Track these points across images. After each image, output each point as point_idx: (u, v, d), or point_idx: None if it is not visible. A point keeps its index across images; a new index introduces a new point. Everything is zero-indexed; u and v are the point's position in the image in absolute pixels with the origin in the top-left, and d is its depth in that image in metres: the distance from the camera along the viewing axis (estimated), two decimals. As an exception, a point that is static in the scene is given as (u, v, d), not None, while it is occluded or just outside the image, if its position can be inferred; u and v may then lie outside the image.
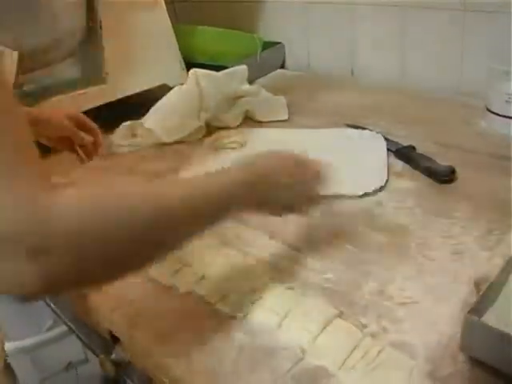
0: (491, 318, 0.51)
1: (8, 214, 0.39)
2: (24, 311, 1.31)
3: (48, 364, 1.32)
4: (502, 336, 0.47)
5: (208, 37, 1.37)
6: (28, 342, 1.34)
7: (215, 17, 1.60)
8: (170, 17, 1.25)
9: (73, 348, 1.32)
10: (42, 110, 0.89)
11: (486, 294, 0.52)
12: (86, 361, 1.33)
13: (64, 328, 1.39)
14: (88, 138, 0.93)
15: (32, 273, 0.40)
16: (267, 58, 1.47)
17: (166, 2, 1.24)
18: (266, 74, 1.47)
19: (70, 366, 1.31)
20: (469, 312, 0.50)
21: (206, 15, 1.63)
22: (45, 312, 1.28)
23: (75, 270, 0.42)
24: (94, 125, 0.95)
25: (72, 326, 0.98)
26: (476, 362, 0.52)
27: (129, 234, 0.45)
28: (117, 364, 0.76)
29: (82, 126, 0.93)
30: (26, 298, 0.45)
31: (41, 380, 1.31)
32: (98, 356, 0.77)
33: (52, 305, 1.02)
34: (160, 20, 1.21)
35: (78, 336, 0.98)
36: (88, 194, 0.44)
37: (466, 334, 0.51)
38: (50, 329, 1.42)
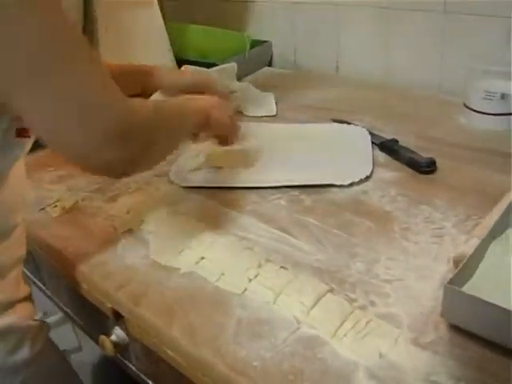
0: (469, 288, 0.57)
1: (109, 111, 0.55)
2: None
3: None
4: (479, 303, 0.53)
5: (198, 35, 1.40)
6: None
7: (205, 16, 1.64)
8: (160, 15, 1.29)
9: (66, 336, 1.36)
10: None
11: (464, 268, 0.58)
12: (80, 349, 1.36)
13: (56, 317, 1.42)
14: None
15: (121, 153, 0.57)
16: (255, 55, 1.51)
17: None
18: (254, 72, 1.51)
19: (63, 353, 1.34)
20: (448, 282, 0.55)
21: (196, 14, 1.66)
22: (35, 303, 1.31)
23: (147, 148, 0.61)
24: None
25: (69, 311, 1.01)
26: (455, 329, 0.57)
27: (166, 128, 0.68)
28: (116, 345, 0.80)
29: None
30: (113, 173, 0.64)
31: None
32: (96, 338, 0.80)
33: (49, 292, 1.05)
34: (153, 18, 1.25)
35: (74, 321, 1.01)
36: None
37: (446, 302, 0.56)
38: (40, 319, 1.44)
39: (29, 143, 0.66)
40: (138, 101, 0.63)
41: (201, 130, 0.84)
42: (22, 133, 0.63)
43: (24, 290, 0.75)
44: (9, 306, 0.70)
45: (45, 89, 0.51)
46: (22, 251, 0.75)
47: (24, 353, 0.71)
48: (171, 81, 0.93)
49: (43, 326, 0.77)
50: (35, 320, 0.76)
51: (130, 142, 0.57)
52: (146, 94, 0.91)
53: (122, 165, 0.60)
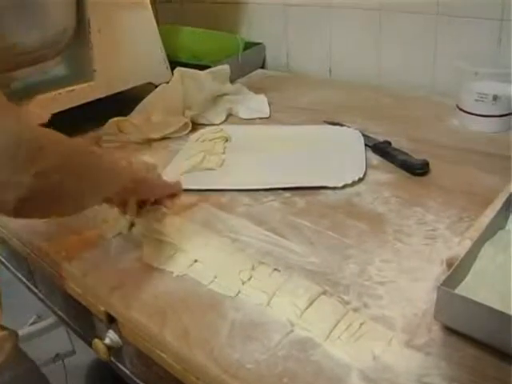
0: (461, 290, 0.57)
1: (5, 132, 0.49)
2: (6, 306, 1.33)
3: (35, 356, 1.34)
4: (472, 304, 0.53)
5: (192, 37, 1.41)
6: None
7: (198, 18, 1.64)
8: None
9: (60, 340, 1.35)
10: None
11: (457, 270, 0.58)
12: (73, 352, 1.36)
13: (50, 321, 1.42)
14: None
15: (24, 178, 0.51)
16: (248, 57, 1.51)
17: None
18: (247, 74, 1.51)
19: (57, 357, 1.34)
20: (442, 284, 0.55)
21: (188, 16, 1.66)
22: (28, 307, 1.31)
23: (53, 179, 0.54)
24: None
25: (62, 314, 1.00)
26: (449, 330, 0.57)
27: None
28: (109, 348, 0.79)
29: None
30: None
31: (28, 371, 1.33)
32: (90, 342, 0.80)
33: (42, 296, 1.05)
34: (146, 20, 1.24)
35: (68, 325, 1.01)
36: None
37: (439, 304, 0.56)
38: (33, 323, 1.44)
39: None
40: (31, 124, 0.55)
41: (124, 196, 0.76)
42: None
43: None
44: None
45: None
46: None
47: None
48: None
49: (9, 336, 0.76)
50: (3, 328, 0.74)
51: (23, 167, 0.51)
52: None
53: (14, 193, 0.52)
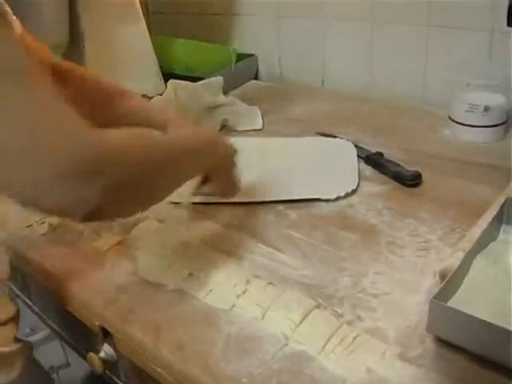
0: (454, 302, 0.58)
1: (68, 146, 0.47)
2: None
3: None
4: (464, 317, 0.53)
5: (185, 49, 1.41)
6: (7, 348, 1.35)
7: (191, 29, 1.64)
8: (145, 29, 1.29)
9: (54, 353, 1.35)
10: None
11: (449, 283, 0.58)
12: (68, 365, 1.35)
13: (44, 334, 1.41)
14: None
15: (92, 193, 0.49)
16: (241, 69, 1.51)
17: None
18: (240, 85, 1.51)
19: (51, 370, 1.33)
20: (434, 297, 0.55)
21: (181, 28, 1.67)
22: (22, 320, 1.30)
23: (124, 189, 0.53)
24: None
25: (56, 328, 1.00)
26: (442, 342, 0.58)
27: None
28: (104, 361, 0.79)
29: None
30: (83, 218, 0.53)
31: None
32: (85, 355, 0.80)
33: (37, 309, 1.05)
34: (139, 32, 1.25)
35: (63, 338, 1.01)
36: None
37: (431, 317, 0.56)
38: (28, 336, 1.44)
39: None
40: (117, 135, 0.53)
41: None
42: None
43: (5, 313, 0.73)
44: None
45: None
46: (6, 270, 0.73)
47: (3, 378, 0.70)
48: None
49: (23, 350, 0.76)
50: (18, 340, 0.75)
51: (90, 181, 0.48)
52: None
53: (82, 208, 0.50)
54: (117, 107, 0.70)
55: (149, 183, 0.57)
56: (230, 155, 0.74)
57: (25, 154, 0.46)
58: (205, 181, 0.77)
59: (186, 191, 0.85)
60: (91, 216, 0.52)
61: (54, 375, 1.32)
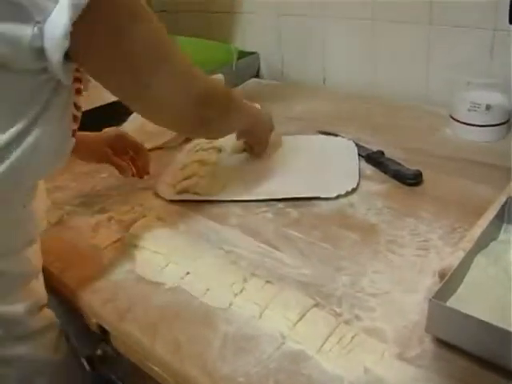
0: (453, 302, 0.57)
1: (199, 82, 0.73)
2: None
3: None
4: (463, 317, 0.53)
5: (185, 46, 1.38)
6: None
7: (192, 27, 1.64)
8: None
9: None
10: (83, 134, 0.88)
11: (448, 282, 0.58)
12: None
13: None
14: (128, 169, 0.97)
15: (204, 113, 0.75)
16: (243, 67, 1.51)
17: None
18: (241, 83, 1.51)
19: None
20: (433, 296, 0.55)
21: (183, 25, 1.66)
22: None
23: (221, 115, 0.79)
24: (139, 144, 0.99)
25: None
26: (440, 342, 0.57)
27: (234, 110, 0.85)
28: (102, 360, 0.79)
29: (126, 147, 0.98)
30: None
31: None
32: (83, 353, 0.80)
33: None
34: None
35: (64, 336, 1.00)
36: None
37: (430, 317, 0.56)
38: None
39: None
40: (215, 80, 0.88)
41: (241, 133, 0.98)
42: (73, 133, 0.66)
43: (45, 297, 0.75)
44: (42, 306, 0.72)
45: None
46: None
47: (63, 349, 0.76)
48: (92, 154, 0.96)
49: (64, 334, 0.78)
50: None
51: (211, 106, 0.75)
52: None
53: (201, 121, 0.76)
54: None
55: (230, 112, 0.83)
56: (270, 125, 1.02)
57: (180, 89, 0.69)
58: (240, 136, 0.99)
59: (170, 190, 0.92)
60: (204, 122, 0.77)
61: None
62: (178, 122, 0.76)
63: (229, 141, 1.10)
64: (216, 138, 0.95)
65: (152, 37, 0.65)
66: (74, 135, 0.66)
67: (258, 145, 1.02)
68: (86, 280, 0.74)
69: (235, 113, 0.86)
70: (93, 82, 1.12)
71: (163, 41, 0.67)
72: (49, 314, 0.73)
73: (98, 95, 1.16)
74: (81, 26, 0.52)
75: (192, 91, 0.71)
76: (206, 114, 0.75)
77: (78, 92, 0.64)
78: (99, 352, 0.80)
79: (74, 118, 0.65)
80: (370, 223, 0.81)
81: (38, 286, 0.72)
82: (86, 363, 0.82)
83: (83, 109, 1.12)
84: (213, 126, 0.80)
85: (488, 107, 1.00)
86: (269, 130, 1.02)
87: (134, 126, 1.13)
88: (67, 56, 0.54)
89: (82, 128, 1.06)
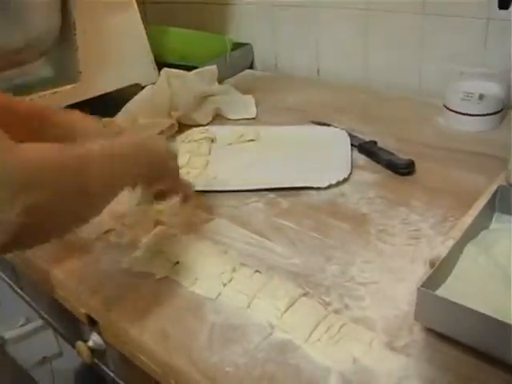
0: (443, 291, 0.56)
1: None
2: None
3: (22, 358, 1.33)
4: (451, 306, 0.52)
5: (179, 37, 1.40)
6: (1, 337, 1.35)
7: (185, 18, 1.63)
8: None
9: (47, 342, 1.34)
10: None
11: (438, 270, 0.57)
12: (61, 354, 1.34)
13: (37, 323, 1.41)
14: None
15: (16, 210, 0.45)
16: (236, 58, 1.50)
17: (136, 3, 1.26)
18: (235, 74, 1.50)
19: (44, 360, 1.33)
20: (422, 285, 0.54)
21: (177, 17, 1.66)
22: (17, 310, 1.30)
23: (49, 204, 0.49)
24: None
25: (48, 318, 1.00)
26: (430, 332, 0.57)
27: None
28: (93, 350, 0.79)
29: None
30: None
31: (15, 374, 1.32)
32: (75, 344, 0.80)
33: (28, 298, 1.04)
34: (132, 21, 1.23)
35: (53, 327, 1.00)
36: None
37: (419, 306, 0.55)
38: (22, 325, 1.43)
39: None
40: (37, 148, 0.50)
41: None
42: None
43: None
44: None
45: None
46: None
47: None
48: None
49: None
50: None
51: (7, 204, 0.45)
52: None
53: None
54: (48, 127, 0.70)
55: (75, 198, 0.54)
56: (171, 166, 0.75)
57: None
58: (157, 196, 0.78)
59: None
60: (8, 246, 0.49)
61: (47, 365, 1.31)
62: None
63: (221, 131, 1.11)
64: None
65: None
66: None
67: (171, 189, 0.78)
68: (74, 270, 0.73)
69: (84, 189, 0.56)
70: (84, 73, 1.12)
71: None
72: None
73: (87, 87, 1.17)
74: None
75: None
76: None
77: None
78: (90, 343, 0.80)
79: None
80: (362, 213, 0.80)
81: None
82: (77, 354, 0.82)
83: (74, 101, 1.13)
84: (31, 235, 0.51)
85: (481, 97, 1.00)
86: (169, 160, 0.74)
87: (127, 117, 1.13)
88: None
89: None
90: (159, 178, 0.72)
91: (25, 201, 0.45)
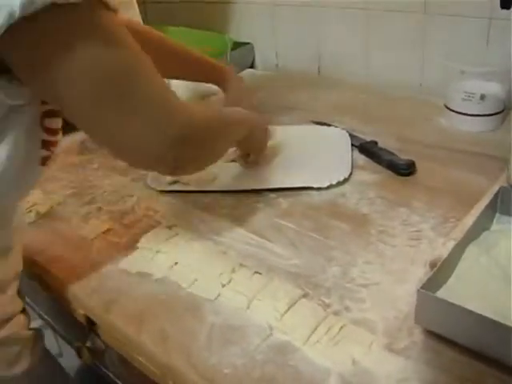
0: (443, 292, 0.56)
1: (171, 121, 0.60)
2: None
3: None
4: (451, 308, 0.52)
5: (179, 37, 1.39)
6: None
7: (186, 18, 1.63)
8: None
9: (47, 342, 1.34)
10: None
11: (438, 272, 0.57)
12: (60, 355, 1.34)
13: (37, 324, 1.40)
14: None
15: (180, 154, 0.61)
16: (237, 57, 1.49)
17: (137, 3, 1.26)
18: (236, 73, 1.49)
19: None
20: (422, 287, 0.54)
21: (177, 16, 1.65)
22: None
23: (202, 152, 0.68)
24: None
25: (48, 318, 0.99)
26: (430, 334, 0.56)
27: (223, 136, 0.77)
28: (92, 351, 0.78)
29: None
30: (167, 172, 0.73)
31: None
32: (73, 344, 0.79)
33: (27, 299, 1.04)
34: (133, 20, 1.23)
35: (53, 328, 1.00)
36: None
37: (419, 307, 0.55)
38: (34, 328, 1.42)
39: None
40: (198, 109, 0.68)
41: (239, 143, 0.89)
42: (44, 161, 0.60)
43: (20, 304, 0.73)
44: (7, 320, 0.68)
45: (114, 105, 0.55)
46: (20, 265, 0.72)
47: (24, 364, 0.69)
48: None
49: (38, 335, 0.76)
50: (30, 329, 0.74)
51: (188, 146, 0.62)
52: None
53: (178, 163, 0.63)
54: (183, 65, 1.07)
55: (215, 143, 0.73)
56: (266, 131, 0.94)
57: (147, 130, 0.57)
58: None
59: (161, 181, 0.91)
60: (182, 164, 0.65)
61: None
62: (154, 165, 0.65)
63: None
64: (206, 167, 0.75)
65: (115, 66, 0.54)
66: (45, 163, 0.60)
67: (254, 152, 0.94)
68: (73, 271, 0.73)
69: (224, 136, 0.77)
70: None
71: (131, 72, 0.55)
72: (16, 325, 0.70)
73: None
74: (23, 35, 0.47)
75: (166, 131, 0.59)
76: (185, 155, 0.63)
77: (51, 114, 0.58)
78: (88, 344, 0.80)
79: (45, 143, 0.59)
80: (362, 213, 0.80)
81: (6, 298, 0.68)
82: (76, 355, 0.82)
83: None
84: (198, 163, 0.70)
85: (482, 97, 0.99)
86: (266, 136, 0.94)
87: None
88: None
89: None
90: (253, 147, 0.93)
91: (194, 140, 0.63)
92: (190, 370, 0.56)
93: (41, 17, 0.46)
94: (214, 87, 1.22)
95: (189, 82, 1.17)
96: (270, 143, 0.98)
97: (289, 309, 0.61)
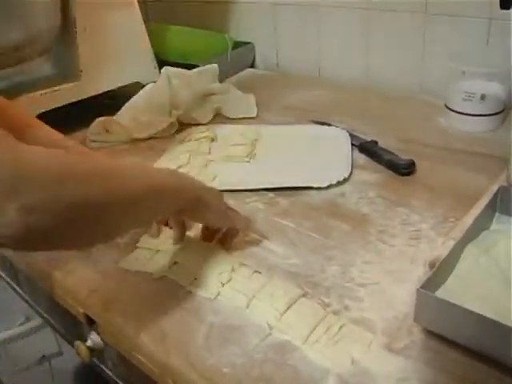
0: (442, 292, 0.56)
1: None
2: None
3: (21, 357, 1.33)
4: (450, 307, 0.52)
5: (180, 36, 1.39)
6: (0, 336, 1.35)
7: (186, 17, 1.63)
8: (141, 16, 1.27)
9: (46, 341, 1.34)
10: None
11: (438, 271, 0.57)
12: (60, 354, 1.34)
13: (37, 322, 1.41)
14: None
15: (13, 212, 0.43)
16: (237, 57, 1.50)
17: (137, 2, 1.26)
18: (236, 73, 1.50)
19: (43, 359, 1.33)
20: (421, 286, 0.54)
21: (177, 15, 1.65)
22: (17, 308, 1.30)
23: (50, 209, 0.46)
24: None
25: (47, 316, 0.99)
26: (429, 333, 0.56)
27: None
28: (91, 350, 0.78)
29: None
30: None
31: (14, 373, 1.32)
32: (73, 343, 0.79)
33: (27, 297, 1.04)
34: (133, 19, 1.23)
35: (52, 326, 1.00)
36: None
37: (418, 307, 0.55)
38: (22, 324, 1.43)
39: None
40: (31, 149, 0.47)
41: (181, 216, 0.71)
42: None
43: None
44: None
45: None
46: None
47: None
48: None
49: None
50: None
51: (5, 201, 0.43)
52: None
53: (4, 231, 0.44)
54: (28, 137, 0.68)
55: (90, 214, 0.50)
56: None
57: None
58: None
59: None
60: (25, 242, 0.47)
61: (46, 364, 1.31)
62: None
63: (221, 130, 1.10)
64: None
65: None
66: None
67: (221, 224, 0.73)
68: (72, 270, 0.73)
69: (119, 206, 0.54)
70: (85, 71, 1.12)
71: None
72: None
73: (88, 85, 1.17)
74: None
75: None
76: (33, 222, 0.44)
77: None
78: (88, 342, 0.79)
79: None
80: (362, 213, 0.80)
81: None
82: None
83: (75, 99, 1.12)
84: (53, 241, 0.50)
85: (483, 97, 0.99)
86: (218, 198, 0.71)
87: (127, 116, 1.12)
88: None
89: (73, 119, 1.07)
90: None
91: (22, 199, 0.43)
92: (189, 368, 0.56)
93: None
94: (214, 86, 1.23)
95: (189, 80, 1.17)
96: (270, 143, 0.99)
97: (288, 308, 0.61)
